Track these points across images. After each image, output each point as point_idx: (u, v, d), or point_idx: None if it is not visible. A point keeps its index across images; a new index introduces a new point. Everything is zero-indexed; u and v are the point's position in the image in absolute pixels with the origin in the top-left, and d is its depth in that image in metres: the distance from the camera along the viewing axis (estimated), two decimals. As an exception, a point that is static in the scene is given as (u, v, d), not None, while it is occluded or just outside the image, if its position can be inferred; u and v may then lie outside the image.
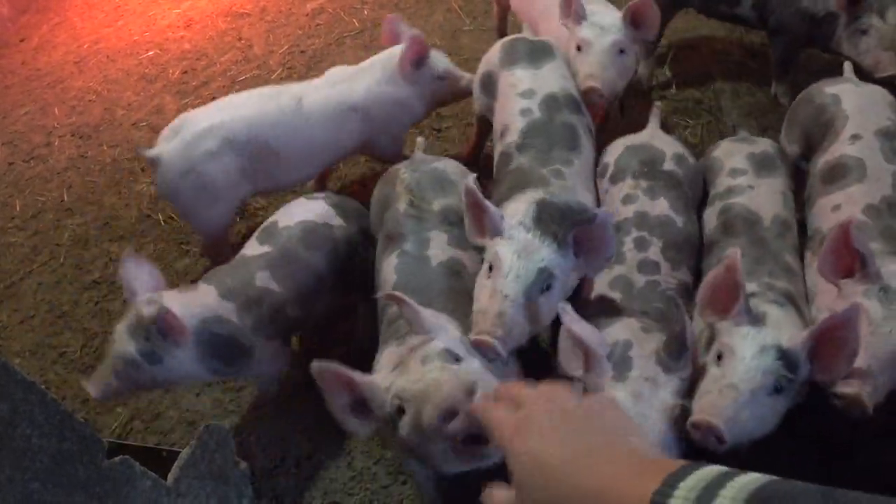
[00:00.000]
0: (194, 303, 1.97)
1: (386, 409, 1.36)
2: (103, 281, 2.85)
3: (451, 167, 2.17)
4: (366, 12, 3.84)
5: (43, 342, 2.72)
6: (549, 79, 2.25)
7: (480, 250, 1.84)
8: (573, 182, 1.99)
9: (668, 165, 2.10)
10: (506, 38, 2.48)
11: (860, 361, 1.50)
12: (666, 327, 1.66)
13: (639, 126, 2.39)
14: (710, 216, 2.07)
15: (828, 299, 1.70)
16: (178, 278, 2.72)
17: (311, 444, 2.23)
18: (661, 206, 1.99)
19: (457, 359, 1.36)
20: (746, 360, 1.49)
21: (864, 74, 2.38)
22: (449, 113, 3.00)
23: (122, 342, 1.89)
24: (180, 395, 2.44)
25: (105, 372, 1.91)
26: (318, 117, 2.50)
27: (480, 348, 1.55)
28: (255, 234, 2.24)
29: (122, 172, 3.31)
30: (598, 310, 1.79)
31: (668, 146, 2.17)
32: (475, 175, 1.80)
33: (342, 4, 3.94)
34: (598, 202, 2.15)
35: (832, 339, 1.46)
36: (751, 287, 1.72)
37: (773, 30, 2.79)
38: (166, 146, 2.41)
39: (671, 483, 0.60)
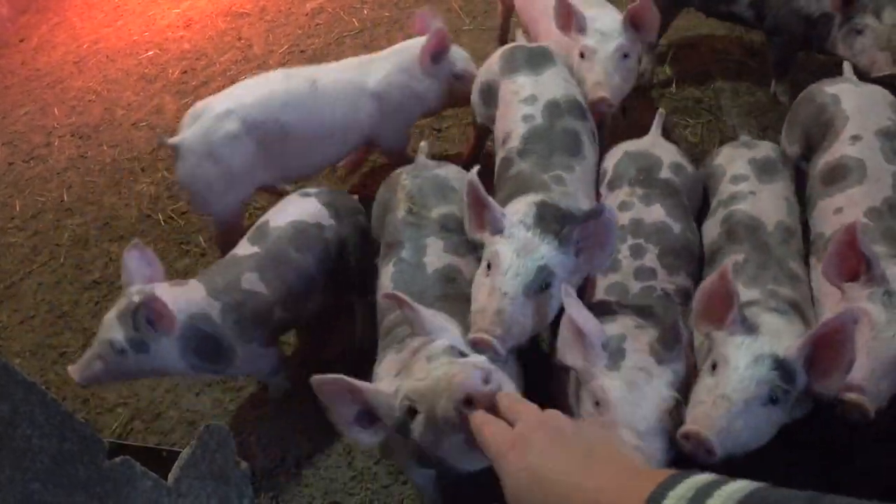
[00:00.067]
0: (183, 297, 1.99)
1: (395, 414, 1.32)
2: (103, 281, 2.85)
3: (453, 173, 2.15)
4: (365, 12, 3.84)
5: (43, 342, 2.73)
6: (550, 84, 2.23)
7: (477, 249, 1.84)
8: (574, 188, 1.97)
9: (665, 174, 2.08)
10: (504, 47, 2.46)
11: (862, 366, 1.48)
12: (659, 324, 1.66)
13: (640, 126, 2.39)
14: (713, 224, 2.04)
15: (832, 303, 1.68)
16: (178, 278, 2.72)
17: (312, 443, 2.23)
18: (656, 213, 1.97)
19: (461, 354, 1.36)
20: (740, 369, 1.46)
21: (860, 75, 2.38)
22: (449, 113, 2.99)
23: (111, 329, 1.91)
24: (180, 395, 2.45)
25: (90, 357, 1.93)
26: (331, 99, 2.51)
27: (479, 347, 1.54)
28: (248, 233, 2.24)
29: (122, 172, 3.31)
30: (593, 312, 1.78)
31: (667, 154, 2.15)
32: (478, 167, 1.80)
33: (342, 4, 3.94)
34: None
35: (828, 347, 1.43)
36: (754, 294, 1.71)
37: (769, 30, 2.79)
38: (186, 132, 2.43)
39: (661, 492, 0.62)
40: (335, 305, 2.44)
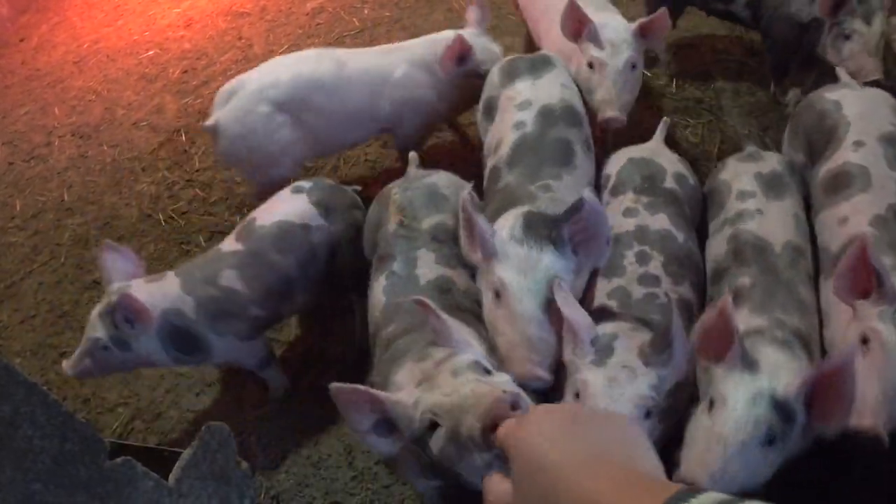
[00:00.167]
0: (158, 293, 2.04)
1: (415, 426, 1.30)
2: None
3: (443, 181, 2.11)
4: (366, 11, 3.84)
5: (44, 342, 2.73)
6: (547, 89, 2.20)
7: (471, 268, 1.82)
8: (563, 194, 1.91)
9: (669, 183, 2.07)
10: (503, 60, 2.42)
11: (873, 391, 1.45)
12: (654, 329, 1.63)
13: (640, 125, 2.39)
14: (720, 241, 1.98)
15: (843, 320, 1.64)
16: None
17: (313, 443, 2.23)
18: (661, 221, 1.96)
19: (487, 371, 1.33)
20: (737, 409, 1.42)
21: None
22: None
23: (95, 327, 2.00)
24: (181, 395, 2.45)
25: (80, 354, 2.03)
26: (356, 84, 2.54)
27: (526, 382, 1.50)
28: (237, 227, 2.25)
29: (123, 172, 3.31)
30: (593, 315, 1.77)
31: (670, 164, 2.14)
32: (471, 185, 1.76)
33: (342, 4, 3.94)
34: None
35: (829, 386, 1.39)
36: (760, 322, 1.66)
37: (763, 32, 2.78)
38: (221, 112, 2.49)
39: None
40: (335, 305, 2.45)
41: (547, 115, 2.11)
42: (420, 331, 1.65)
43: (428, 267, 1.87)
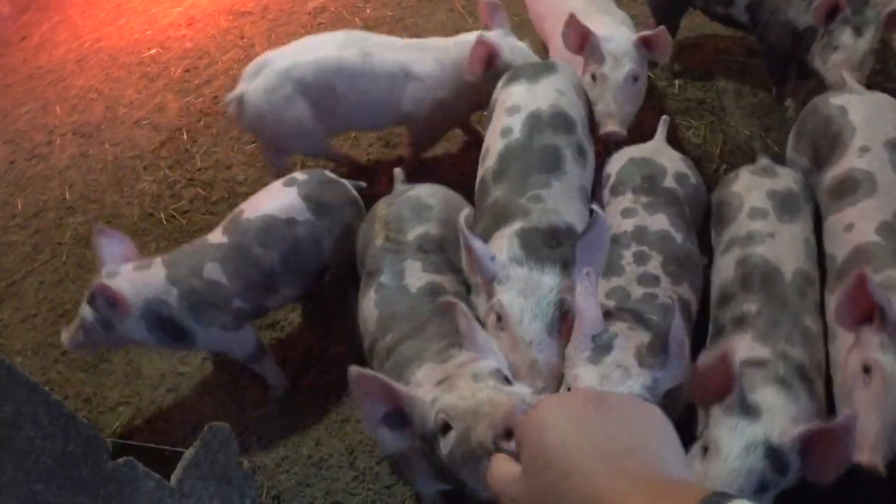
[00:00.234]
0: (142, 282, 2.10)
1: (428, 425, 1.30)
2: (105, 280, 2.84)
3: (425, 191, 2.10)
4: (368, 11, 3.83)
5: (45, 341, 2.72)
6: (540, 94, 2.15)
7: (460, 272, 1.79)
8: (554, 203, 1.88)
9: (669, 183, 2.06)
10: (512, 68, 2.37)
11: (873, 424, 1.43)
12: (654, 331, 1.62)
13: (640, 125, 2.39)
14: (728, 263, 1.93)
15: (847, 338, 1.62)
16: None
17: (314, 443, 2.23)
18: (660, 222, 1.95)
19: (507, 380, 1.32)
20: (731, 459, 1.39)
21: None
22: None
23: (84, 308, 2.09)
24: (183, 395, 2.45)
25: (75, 328, 2.13)
26: (378, 76, 2.54)
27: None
28: (225, 219, 2.27)
29: (124, 171, 3.31)
30: None
31: (672, 163, 2.12)
32: (469, 210, 1.74)
33: (344, 3, 3.93)
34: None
35: (826, 442, 1.36)
36: (763, 353, 1.63)
37: (759, 36, 2.76)
38: (248, 85, 2.54)
39: None
40: (335, 305, 2.45)
41: (534, 121, 2.07)
42: (421, 337, 1.64)
43: (416, 276, 1.86)
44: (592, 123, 2.31)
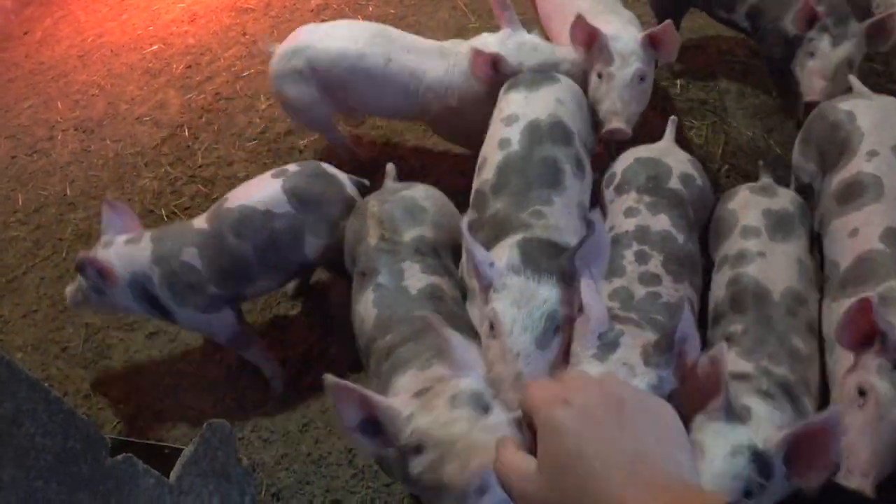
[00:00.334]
0: (129, 257, 2.18)
1: (402, 440, 1.31)
2: (106, 276, 2.84)
3: (420, 193, 2.09)
4: (370, 9, 3.83)
5: (45, 337, 2.73)
6: (539, 103, 2.11)
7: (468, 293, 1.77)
8: (556, 220, 1.85)
9: (673, 183, 2.05)
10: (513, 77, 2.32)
11: (865, 449, 1.43)
12: (660, 330, 1.61)
13: (646, 126, 2.38)
14: (720, 283, 1.93)
15: (845, 356, 1.61)
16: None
17: (314, 441, 2.23)
18: (662, 222, 1.94)
19: (486, 408, 1.32)
20: (716, 462, 1.38)
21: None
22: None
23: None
24: (183, 392, 2.45)
25: (75, 288, 2.26)
26: (393, 82, 2.51)
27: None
28: (213, 205, 2.30)
29: (125, 167, 3.31)
30: None
31: (678, 164, 2.11)
32: (470, 217, 1.71)
33: (347, 0, 3.93)
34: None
35: (811, 443, 1.35)
36: (747, 367, 1.63)
37: (757, 41, 2.77)
38: (278, 47, 2.63)
39: None
40: (335, 305, 2.45)
41: (533, 132, 2.03)
42: (420, 340, 1.64)
43: (415, 277, 1.85)
44: (597, 127, 2.29)
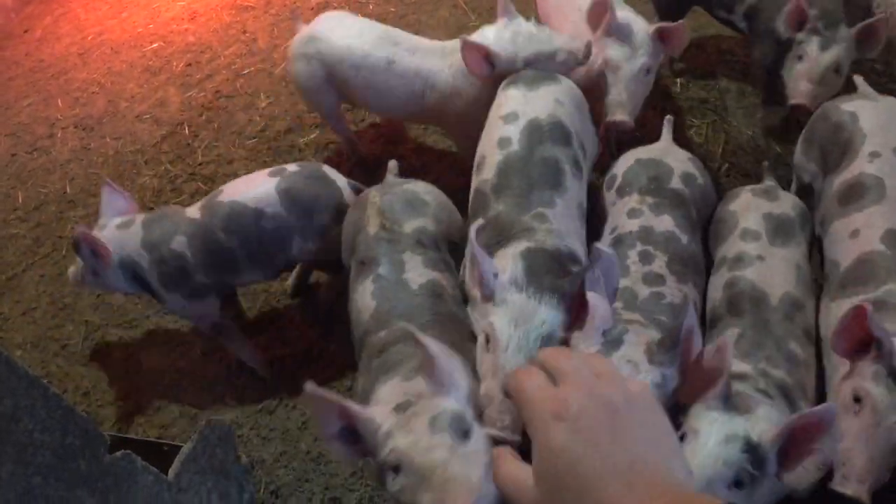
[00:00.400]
0: (119, 241, 2.22)
1: (379, 456, 1.34)
2: (105, 274, 2.84)
3: (421, 188, 2.08)
4: (371, 7, 3.83)
5: (45, 334, 2.73)
6: (539, 102, 2.07)
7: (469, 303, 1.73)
8: (558, 224, 1.82)
9: (675, 183, 2.05)
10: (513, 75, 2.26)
11: (861, 456, 1.43)
12: (664, 330, 1.61)
13: (646, 125, 2.38)
14: (717, 285, 1.93)
15: (843, 363, 1.60)
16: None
17: (313, 439, 2.23)
18: (665, 223, 1.94)
19: (466, 432, 1.33)
20: (709, 445, 1.37)
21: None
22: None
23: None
24: (182, 389, 2.45)
25: (76, 269, 2.31)
26: (397, 83, 2.51)
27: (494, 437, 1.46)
28: (210, 194, 2.32)
29: (126, 165, 3.31)
30: None
31: (679, 164, 2.11)
32: (482, 224, 1.67)
33: (347, -1, 3.93)
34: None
35: (806, 440, 1.34)
36: (745, 368, 1.63)
37: (753, 43, 2.76)
38: (302, 28, 2.67)
39: None
40: (338, 301, 2.44)
41: (533, 132, 2.00)
42: (412, 342, 1.63)
43: (417, 271, 1.84)
44: (599, 116, 2.27)
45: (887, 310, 1.66)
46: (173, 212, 2.29)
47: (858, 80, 2.30)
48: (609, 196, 2.15)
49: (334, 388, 2.32)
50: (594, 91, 2.36)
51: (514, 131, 2.02)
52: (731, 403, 1.44)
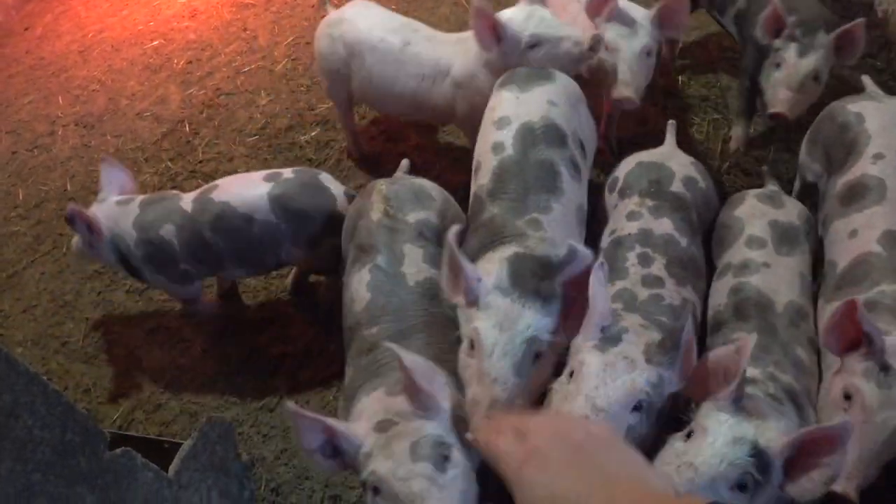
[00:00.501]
0: (113, 218, 2.30)
1: (360, 475, 1.38)
2: (105, 271, 2.84)
3: (428, 184, 2.07)
4: (372, 4, 3.82)
5: (45, 332, 2.73)
6: (532, 104, 2.04)
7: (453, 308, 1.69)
8: (553, 231, 1.78)
9: (676, 187, 2.05)
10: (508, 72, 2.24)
11: (851, 452, 1.37)
12: (665, 331, 1.58)
13: (647, 124, 2.37)
14: (721, 290, 1.92)
15: (836, 364, 1.61)
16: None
17: (313, 437, 2.23)
18: (664, 226, 1.94)
19: (445, 457, 1.35)
20: (716, 444, 1.35)
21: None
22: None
23: None
24: (182, 387, 2.45)
25: (78, 240, 2.37)
26: (409, 70, 2.53)
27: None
28: (205, 185, 2.34)
29: (126, 162, 3.28)
30: None
31: (681, 168, 2.11)
32: (459, 227, 1.64)
33: (348, -4, 3.92)
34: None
35: (815, 454, 1.31)
36: (754, 372, 1.61)
37: (741, 50, 2.74)
38: (331, 11, 2.77)
39: None
40: (337, 300, 2.44)
41: (526, 135, 1.96)
42: (403, 342, 1.62)
43: (416, 266, 1.82)
44: (599, 111, 2.28)
45: (879, 310, 1.66)
46: (170, 198, 2.33)
47: (866, 79, 2.29)
48: (611, 199, 2.15)
49: (334, 386, 2.33)
50: (595, 84, 2.38)
51: (506, 136, 1.99)
52: (742, 406, 1.42)
